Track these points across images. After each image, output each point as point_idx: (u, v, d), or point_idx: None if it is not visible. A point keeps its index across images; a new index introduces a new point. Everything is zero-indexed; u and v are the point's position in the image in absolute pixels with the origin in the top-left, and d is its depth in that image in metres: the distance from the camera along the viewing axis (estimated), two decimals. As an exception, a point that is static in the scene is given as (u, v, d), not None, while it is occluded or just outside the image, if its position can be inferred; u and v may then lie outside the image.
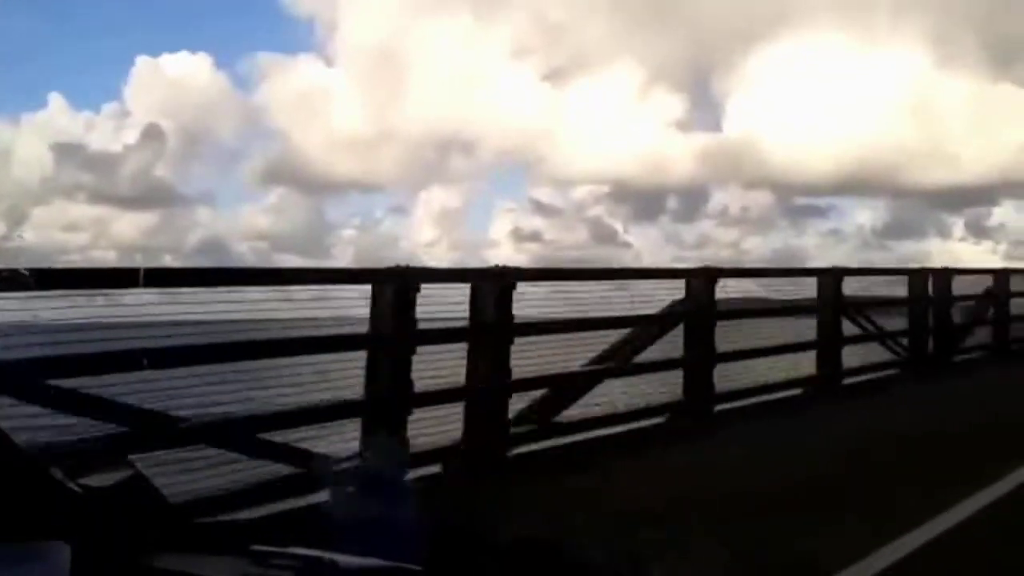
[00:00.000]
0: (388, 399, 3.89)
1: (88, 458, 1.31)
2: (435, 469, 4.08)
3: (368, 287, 3.93)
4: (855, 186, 39.85)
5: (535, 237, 30.92)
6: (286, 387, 3.82)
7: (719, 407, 6.00)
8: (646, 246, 35.42)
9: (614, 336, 5.42)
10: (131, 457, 1.94)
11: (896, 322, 8.55)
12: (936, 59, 35.11)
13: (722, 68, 42.04)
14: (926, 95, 29.21)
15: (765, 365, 6.77)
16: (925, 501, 3.48)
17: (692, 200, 39.75)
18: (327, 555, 1.01)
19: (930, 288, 8.77)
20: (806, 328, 7.36)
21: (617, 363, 5.44)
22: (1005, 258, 30.57)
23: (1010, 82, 35.43)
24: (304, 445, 3.54)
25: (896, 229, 32.82)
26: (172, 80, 30.90)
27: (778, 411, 6.18)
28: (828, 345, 7.36)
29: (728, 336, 6.22)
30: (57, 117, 31.51)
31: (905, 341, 8.59)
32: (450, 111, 34.19)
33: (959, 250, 31.53)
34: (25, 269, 2.78)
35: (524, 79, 34.40)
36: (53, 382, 2.87)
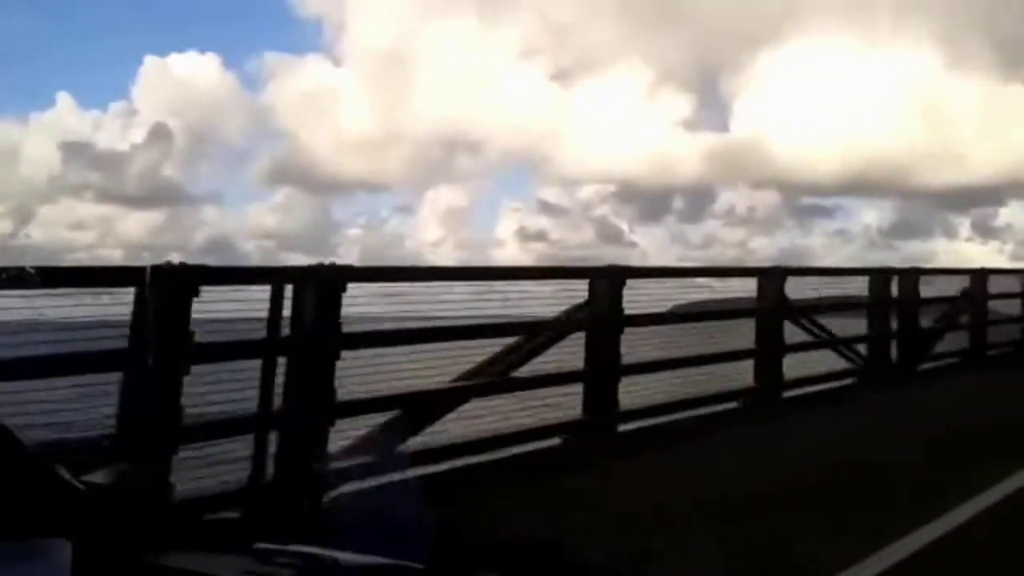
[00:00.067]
0: (146, 434, 3.67)
1: (90, 456, 1.56)
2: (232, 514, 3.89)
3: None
4: (862, 186, 43.69)
5: (541, 236, 34.82)
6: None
7: (626, 426, 6.32)
8: (652, 246, 39.46)
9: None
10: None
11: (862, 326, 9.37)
12: (945, 60, 39.77)
13: (730, 68, 44.90)
14: (934, 96, 31.96)
15: (695, 376, 7.16)
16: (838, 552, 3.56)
17: (699, 200, 42.71)
18: (329, 553, 1.17)
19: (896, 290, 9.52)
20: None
21: (489, 378, 5.56)
22: (1012, 258, 34.79)
23: (1019, 83, 38.67)
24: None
25: (903, 229, 36.09)
26: (180, 80, 33.78)
27: (694, 431, 6.50)
28: (768, 353, 7.78)
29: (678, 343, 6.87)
30: (65, 116, 34.23)
31: (865, 347, 9.25)
32: (457, 111, 39.68)
33: (966, 250, 34.33)
34: (31, 267, 3.21)
35: (531, 79, 38.18)
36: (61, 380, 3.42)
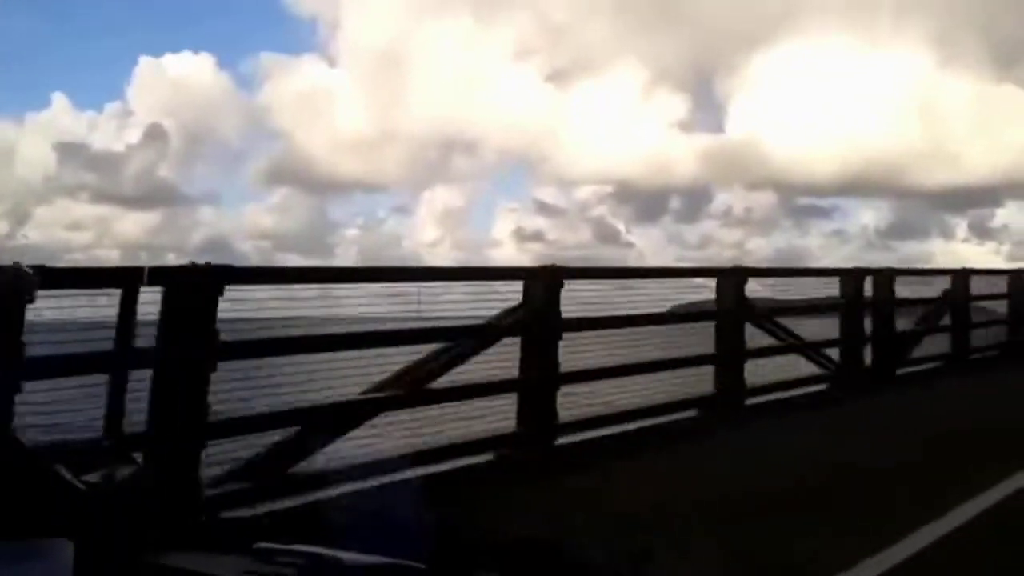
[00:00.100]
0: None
1: (91, 456, 1.75)
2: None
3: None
4: (859, 187, 50.60)
5: (538, 237, 39.72)
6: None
7: (565, 439, 6.50)
8: (649, 246, 44.62)
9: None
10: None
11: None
12: (939, 60, 46.27)
13: (725, 69, 51.52)
14: (929, 96, 37.95)
15: (652, 383, 7.49)
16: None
17: (695, 201, 50.33)
18: (331, 552, 1.29)
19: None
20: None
21: (401, 389, 5.62)
22: (1008, 259, 39.98)
23: (1013, 83, 44.98)
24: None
25: (899, 230, 41.82)
26: (175, 80, 38.32)
27: (643, 443, 6.68)
28: (728, 358, 8.17)
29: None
30: (60, 117, 38.79)
31: (836, 351, 9.80)
32: (453, 111, 43.48)
33: (962, 251, 39.79)
34: (29, 267, 3.44)
35: (527, 80, 43.12)
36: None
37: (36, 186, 37.06)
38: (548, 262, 6.68)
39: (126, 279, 4.27)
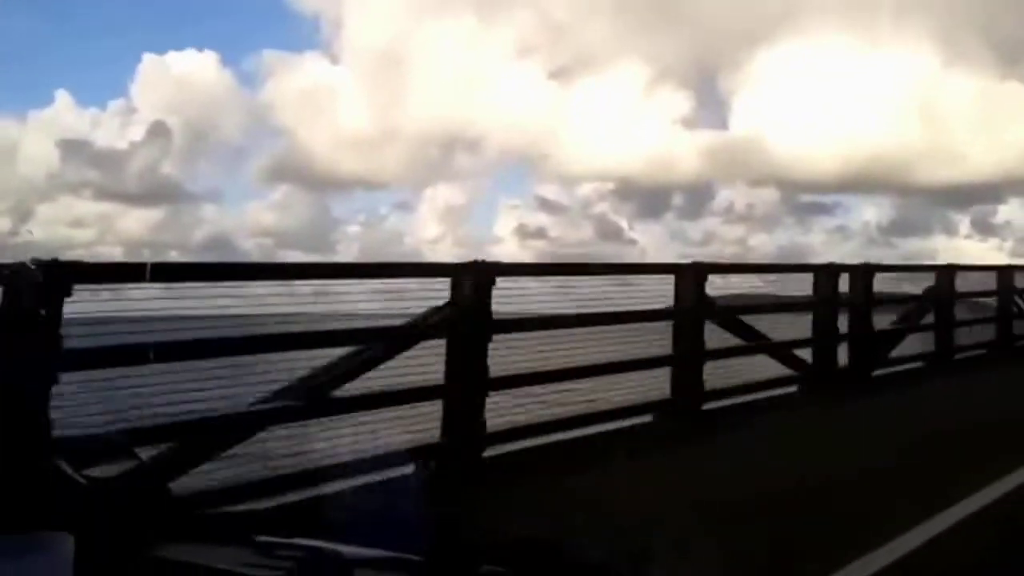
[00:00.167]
0: None
1: (93, 451, 2.06)
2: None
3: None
4: (861, 184, 61.46)
5: (540, 234, 49.36)
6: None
7: (494, 451, 7.15)
8: (651, 243, 56.42)
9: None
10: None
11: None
12: (942, 58, 54.64)
13: (728, 66, 62.09)
14: (932, 93, 44.92)
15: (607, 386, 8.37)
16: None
17: (698, 197, 61.65)
18: (330, 546, 1.62)
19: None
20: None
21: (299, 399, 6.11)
22: (1011, 255, 44.52)
23: (1017, 80, 53.15)
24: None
25: (902, 226, 50.38)
26: (178, 77, 47.97)
27: (582, 454, 7.28)
28: (687, 360, 9.03)
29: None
30: (63, 114, 48.47)
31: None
32: (455, 109, 55.10)
33: (965, 247, 48.06)
34: (32, 263, 4.50)
35: (529, 77, 54.09)
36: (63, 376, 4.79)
37: (39, 183, 45.83)
38: (550, 259, 7.58)
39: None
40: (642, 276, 9.19)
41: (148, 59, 53.62)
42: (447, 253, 55.96)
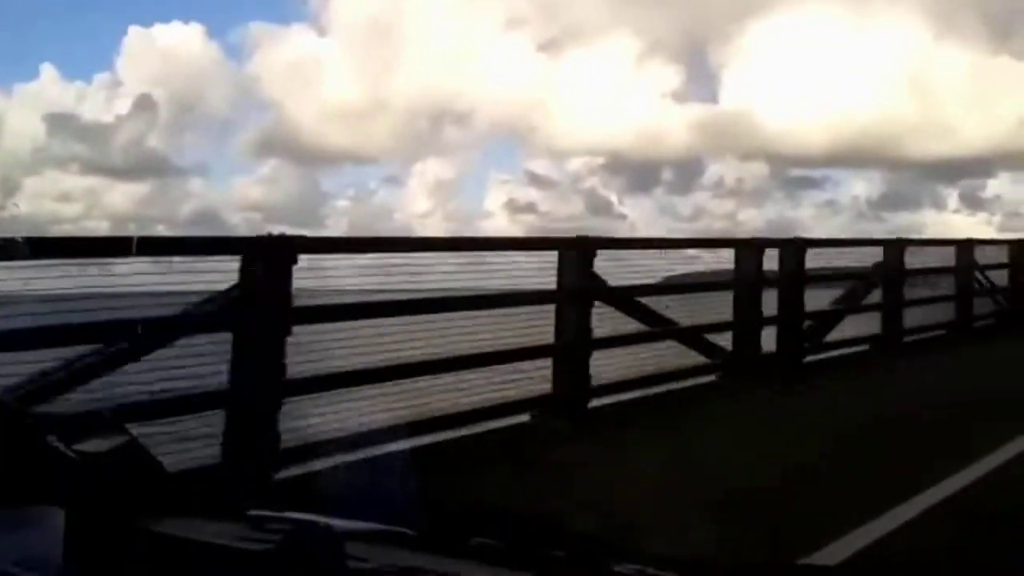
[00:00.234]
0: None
1: (84, 425, 2.33)
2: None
3: None
4: (850, 158, 73.14)
5: (530, 208, 59.23)
6: None
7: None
8: (641, 218, 68.18)
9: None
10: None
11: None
12: (934, 32, 67.08)
13: (719, 39, 74.20)
14: (923, 67, 53.84)
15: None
16: None
17: (687, 172, 75.01)
18: (322, 519, 1.96)
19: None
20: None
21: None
22: (1000, 230, 57.52)
23: (1009, 55, 64.29)
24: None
25: (891, 200, 60.74)
26: (164, 50, 56.63)
27: (465, 456, 7.92)
28: (570, 350, 9.64)
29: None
30: (49, 87, 58.36)
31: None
32: (444, 82, 63.88)
33: (954, 222, 57.87)
34: (20, 237, 6.02)
35: (518, 50, 63.60)
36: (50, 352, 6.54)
37: (25, 157, 52.32)
38: (541, 234, 8.04)
39: None
40: (519, 253, 9.75)
41: (134, 32, 64.98)
42: (438, 228, 70.63)
